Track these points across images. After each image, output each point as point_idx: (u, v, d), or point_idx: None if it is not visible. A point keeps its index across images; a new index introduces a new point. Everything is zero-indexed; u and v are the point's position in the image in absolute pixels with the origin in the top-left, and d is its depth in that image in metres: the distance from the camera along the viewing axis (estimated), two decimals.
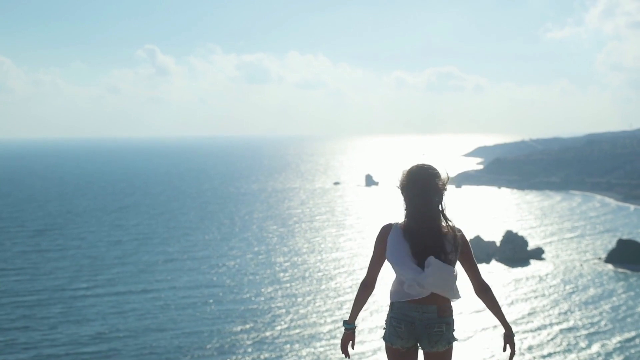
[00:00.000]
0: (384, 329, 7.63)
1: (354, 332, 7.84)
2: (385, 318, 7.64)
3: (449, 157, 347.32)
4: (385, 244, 7.53)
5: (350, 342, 7.80)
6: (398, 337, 7.44)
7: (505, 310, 75.82)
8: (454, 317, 7.57)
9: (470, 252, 7.53)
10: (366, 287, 7.73)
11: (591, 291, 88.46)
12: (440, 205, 7.50)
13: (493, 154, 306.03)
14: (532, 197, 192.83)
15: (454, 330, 7.51)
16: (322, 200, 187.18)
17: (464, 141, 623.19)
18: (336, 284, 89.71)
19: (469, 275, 7.63)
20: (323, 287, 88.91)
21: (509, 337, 7.63)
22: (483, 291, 7.59)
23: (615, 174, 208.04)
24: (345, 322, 7.81)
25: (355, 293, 7.84)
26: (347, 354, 7.78)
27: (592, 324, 74.55)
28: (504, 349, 7.68)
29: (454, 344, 7.55)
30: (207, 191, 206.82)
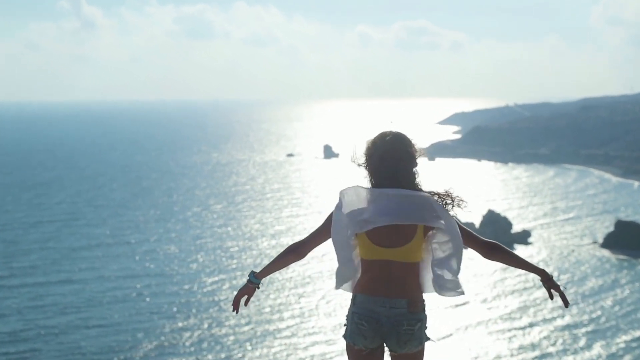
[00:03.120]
0: (345, 325, 7.36)
1: (255, 290, 7.46)
2: (347, 313, 7.36)
3: (421, 124, 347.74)
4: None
5: (247, 297, 7.44)
6: (361, 335, 7.17)
7: (489, 304, 76.56)
8: (426, 312, 7.33)
9: (456, 219, 7.37)
10: (295, 254, 7.37)
11: (589, 281, 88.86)
12: (414, 178, 7.38)
13: (472, 122, 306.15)
14: (518, 172, 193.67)
15: (426, 327, 7.31)
16: (275, 175, 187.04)
17: (438, 107, 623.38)
18: (292, 272, 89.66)
19: (468, 244, 7.33)
20: (277, 276, 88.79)
21: (548, 281, 7.25)
22: (492, 250, 7.29)
23: (614, 145, 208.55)
24: (252, 274, 7.41)
25: (280, 252, 7.40)
26: (237, 308, 7.47)
27: (590, 320, 74.80)
28: (551, 297, 7.33)
29: (427, 344, 7.37)
30: (141, 164, 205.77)
